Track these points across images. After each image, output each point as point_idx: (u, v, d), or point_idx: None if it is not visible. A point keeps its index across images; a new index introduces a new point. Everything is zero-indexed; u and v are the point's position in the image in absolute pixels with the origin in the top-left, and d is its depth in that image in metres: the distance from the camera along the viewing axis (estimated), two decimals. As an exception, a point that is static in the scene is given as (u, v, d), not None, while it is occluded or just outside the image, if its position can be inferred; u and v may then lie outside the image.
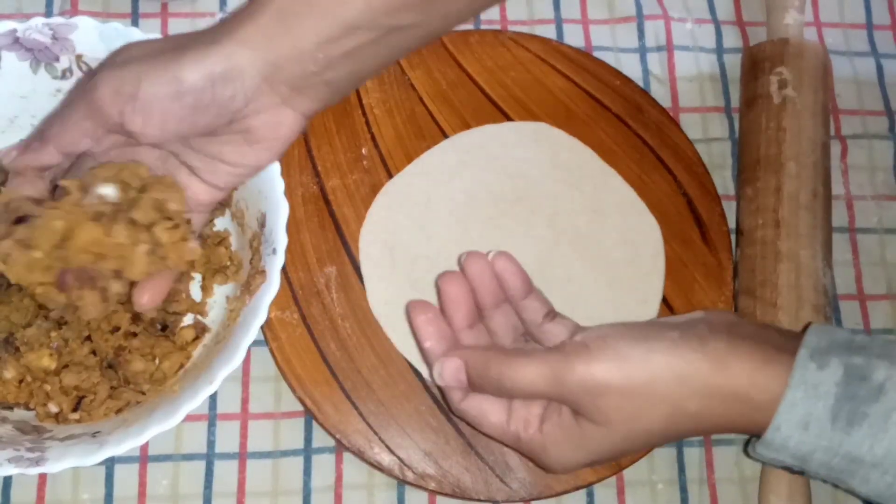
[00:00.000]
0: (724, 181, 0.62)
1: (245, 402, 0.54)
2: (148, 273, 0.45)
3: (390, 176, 0.58)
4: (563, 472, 0.47)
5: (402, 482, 0.53)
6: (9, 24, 0.50)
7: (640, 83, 0.63)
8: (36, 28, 0.50)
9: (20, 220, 0.43)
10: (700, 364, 0.42)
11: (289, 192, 0.51)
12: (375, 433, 0.53)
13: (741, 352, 0.42)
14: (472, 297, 0.49)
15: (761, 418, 0.42)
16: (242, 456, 0.53)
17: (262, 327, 0.48)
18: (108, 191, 0.44)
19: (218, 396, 0.54)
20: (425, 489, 0.52)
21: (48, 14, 0.61)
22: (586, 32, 0.65)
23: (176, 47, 0.43)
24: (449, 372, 0.46)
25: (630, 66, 0.64)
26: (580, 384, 0.43)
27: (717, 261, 0.58)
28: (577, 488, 0.53)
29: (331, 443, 0.54)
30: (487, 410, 0.46)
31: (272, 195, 0.49)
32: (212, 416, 0.54)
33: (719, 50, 0.65)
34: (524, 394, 0.45)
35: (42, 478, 0.52)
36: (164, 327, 0.53)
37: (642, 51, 0.65)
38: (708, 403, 0.42)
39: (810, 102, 0.59)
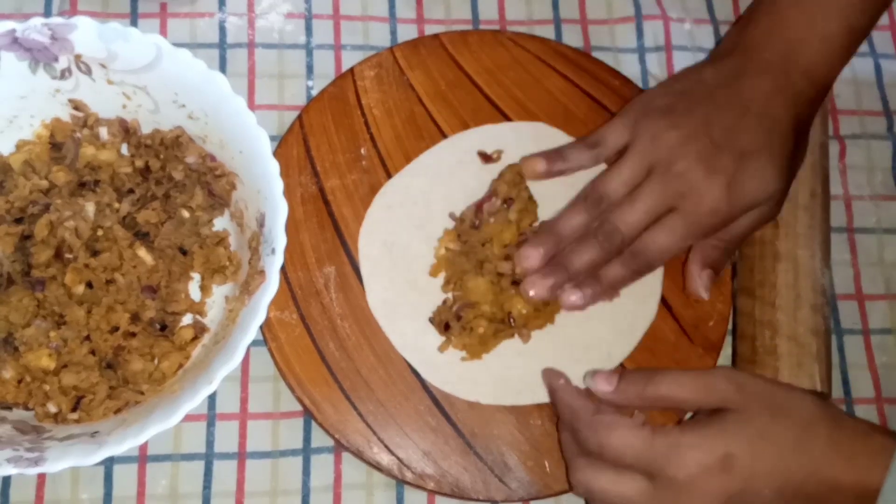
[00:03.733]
0: (722, 181, 0.62)
1: (244, 401, 0.54)
2: None
3: (389, 176, 0.58)
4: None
5: (400, 482, 0.53)
6: (8, 24, 0.50)
7: (639, 83, 0.63)
8: (35, 28, 0.50)
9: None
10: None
11: (288, 193, 0.51)
12: (374, 433, 0.53)
13: (840, 441, 0.45)
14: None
15: None
16: (241, 456, 0.53)
17: (261, 327, 0.48)
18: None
19: (217, 396, 0.54)
20: (424, 489, 0.52)
21: (47, 14, 0.61)
22: (585, 32, 0.65)
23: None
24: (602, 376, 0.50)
25: (629, 67, 0.64)
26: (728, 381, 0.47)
27: (715, 261, 0.58)
28: (576, 488, 0.53)
29: (330, 442, 0.54)
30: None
31: (271, 195, 0.49)
32: (211, 415, 0.54)
33: (718, 50, 0.65)
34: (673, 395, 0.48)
35: (41, 478, 0.52)
36: (163, 327, 0.53)
37: (641, 51, 0.65)
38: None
39: (809, 102, 0.59)
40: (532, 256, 0.52)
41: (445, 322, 0.54)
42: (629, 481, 0.46)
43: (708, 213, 0.51)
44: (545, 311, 0.54)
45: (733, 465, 0.44)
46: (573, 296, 0.52)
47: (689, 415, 0.53)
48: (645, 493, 0.45)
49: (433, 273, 0.56)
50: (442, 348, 0.54)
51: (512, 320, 0.54)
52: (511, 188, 0.56)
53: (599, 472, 0.47)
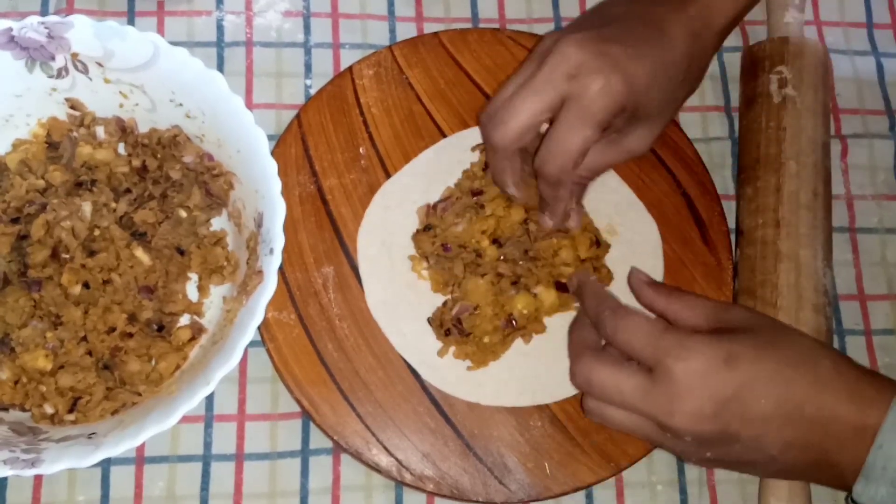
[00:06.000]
0: (723, 181, 0.62)
1: (242, 403, 0.54)
2: None
3: (388, 175, 0.58)
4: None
5: (399, 483, 0.53)
6: (4, 23, 0.50)
7: (640, 82, 0.63)
8: (31, 27, 0.50)
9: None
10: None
11: (286, 192, 0.51)
12: (373, 434, 0.52)
13: (845, 373, 0.45)
14: None
15: (860, 443, 0.44)
16: (239, 457, 0.53)
17: (259, 328, 0.48)
18: None
19: (214, 397, 0.54)
20: (423, 490, 0.52)
21: (44, 13, 0.60)
22: (585, 31, 0.64)
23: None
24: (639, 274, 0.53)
25: (629, 65, 0.63)
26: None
27: (716, 261, 0.58)
28: (577, 489, 0.53)
29: (328, 444, 0.54)
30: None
31: (269, 195, 0.49)
32: (208, 417, 0.54)
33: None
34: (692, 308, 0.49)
35: (38, 479, 0.52)
36: (161, 328, 0.52)
37: (641, 49, 0.64)
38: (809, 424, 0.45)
39: (810, 101, 0.59)
40: (544, 220, 0.55)
41: (446, 328, 0.54)
42: (628, 375, 0.46)
43: (598, 92, 0.48)
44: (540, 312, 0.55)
45: (737, 363, 0.44)
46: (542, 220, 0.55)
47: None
48: (640, 389, 0.46)
49: (435, 289, 0.55)
50: (441, 353, 0.54)
51: (514, 321, 0.53)
52: (474, 180, 0.57)
53: (601, 365, 0.47)
